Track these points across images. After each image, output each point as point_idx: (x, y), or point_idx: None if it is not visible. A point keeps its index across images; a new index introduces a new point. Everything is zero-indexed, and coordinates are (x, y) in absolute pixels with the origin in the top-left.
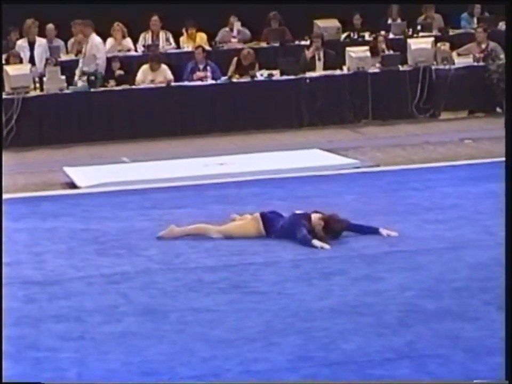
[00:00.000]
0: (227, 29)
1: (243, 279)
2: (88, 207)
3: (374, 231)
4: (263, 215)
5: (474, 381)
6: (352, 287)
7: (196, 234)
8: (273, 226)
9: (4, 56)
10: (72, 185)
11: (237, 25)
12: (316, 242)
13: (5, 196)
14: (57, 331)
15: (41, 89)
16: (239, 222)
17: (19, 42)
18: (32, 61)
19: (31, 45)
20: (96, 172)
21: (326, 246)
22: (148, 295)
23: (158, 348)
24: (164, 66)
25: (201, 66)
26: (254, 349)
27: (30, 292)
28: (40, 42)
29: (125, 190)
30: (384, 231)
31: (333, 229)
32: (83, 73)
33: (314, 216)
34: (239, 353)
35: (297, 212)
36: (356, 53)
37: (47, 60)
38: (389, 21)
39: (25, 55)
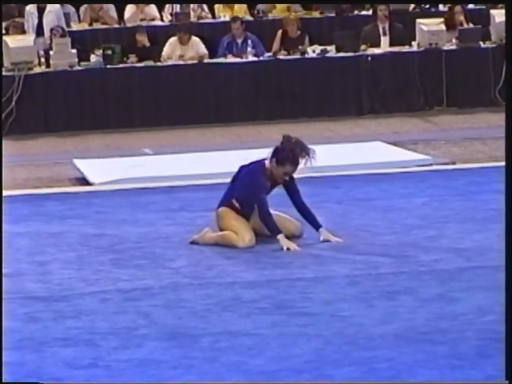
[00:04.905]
0: None
1: (289, 297)
2: (102, 208)
3: (315, 225)
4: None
5: (475, 381)
6: (422, 309)
7: (224, 244)
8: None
9: (3, 25)
10: (84, 181)
11: None
12: (282, 240)
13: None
14: (64, 357)
15: (48, 65)
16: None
17: (28, 8)
18: (40, 30)
19: (41, 11)
20: (112, 166)
21: (293, 247)
22: (174, 315)
23: (185, 378)
24: (195, 39)
25: (239, 41)
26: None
27: (33, 309)
28: (51, 8)
29: (147, 188)
30: (323, 234)
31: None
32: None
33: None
34: None
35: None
36: (428, 26)
37: (51, 30)
38: None
39: (32, 23)
